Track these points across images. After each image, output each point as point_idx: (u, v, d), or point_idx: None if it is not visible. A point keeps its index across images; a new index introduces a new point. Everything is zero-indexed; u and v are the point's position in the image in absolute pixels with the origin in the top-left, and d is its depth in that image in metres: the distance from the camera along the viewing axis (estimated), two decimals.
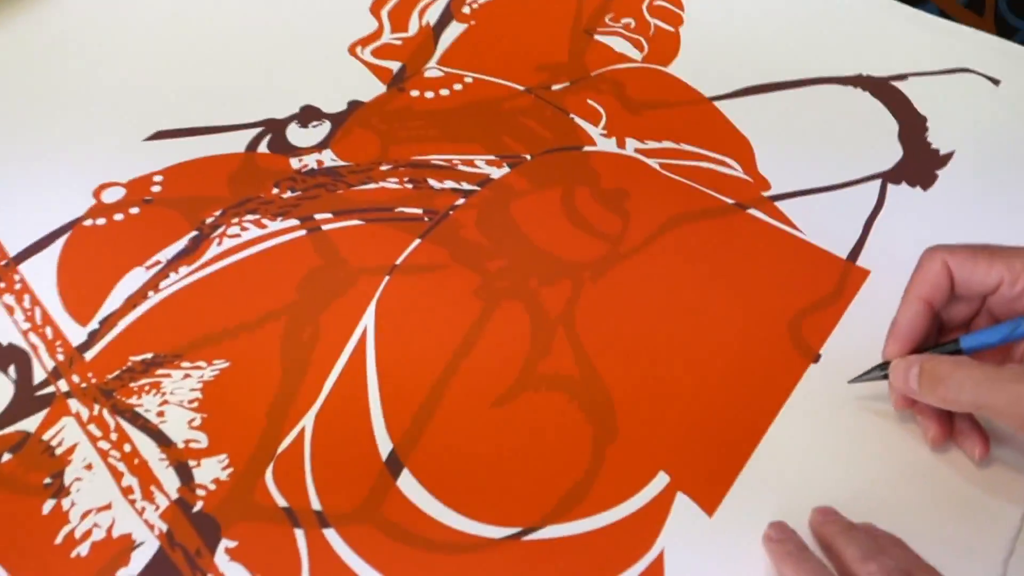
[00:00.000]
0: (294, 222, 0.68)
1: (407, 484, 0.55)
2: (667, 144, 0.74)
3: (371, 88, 0.78)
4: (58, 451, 0.57)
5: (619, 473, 0.56)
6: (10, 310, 0.63)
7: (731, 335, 0.63)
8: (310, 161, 0.72)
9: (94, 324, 0.62)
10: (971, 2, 1.23)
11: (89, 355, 0.61)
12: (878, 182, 0.72)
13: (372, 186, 0.71)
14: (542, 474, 0.56)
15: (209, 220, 0.68)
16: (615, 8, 0.87)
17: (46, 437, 0.57)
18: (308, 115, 0.76)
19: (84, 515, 0.54)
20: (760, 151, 0.74)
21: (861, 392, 0.60)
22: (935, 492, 0.56)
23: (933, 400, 0.54)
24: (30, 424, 0.58)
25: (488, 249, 0.67)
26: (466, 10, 0.86)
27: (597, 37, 0.84)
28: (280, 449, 0.56)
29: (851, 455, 0.58)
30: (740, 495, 0.56)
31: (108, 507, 0.55)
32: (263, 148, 0.73)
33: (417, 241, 0.67)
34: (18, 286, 0.64)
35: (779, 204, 0.71)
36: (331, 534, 0.54)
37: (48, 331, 0.62)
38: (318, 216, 0.69)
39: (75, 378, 0.60)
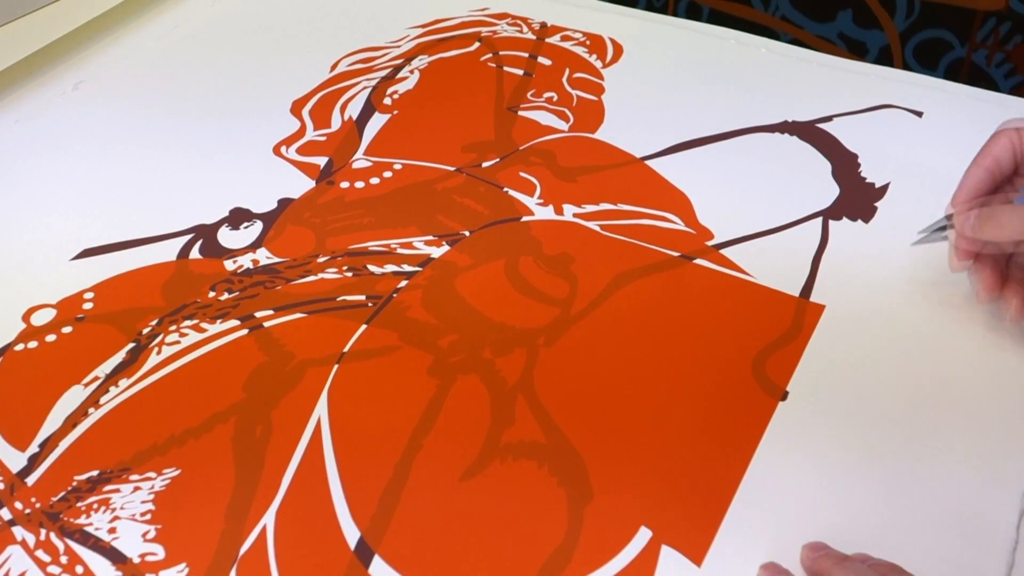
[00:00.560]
0: (235, 322, 0.66)
1: (380, 570, 0.52)
2: (605, 206, 0.74)
3: (300, 184, 0.77)
4: None
5: (600, 533, 0.54)
6: None
7: (696, 383, 0.61)
8: (245, 261, 0.70)
9: (34, 448, 0.59)
10: (879, 57, 1.26)
11: (31, 480, 0.58)
12: (819, 220, 0.72)
13: (311, 279, 0.69)
14: (521, 543, 0.54)
15: (146, 330, 0.66)
16: (536, 84, 0.87)
17: None
18: (238, 217, 0.74)
19: None
20: (698, 203, 0.74)
21: (836, 423, 0.58)
22: (926, 513, 0.55)
23: (985, 234, 0.59)
24: None
25: (437, 327, 0.65)
26: (387, 101, 0.86)
27: (521, 113, 0.84)
28: (242, 551, 0.53)
29: (834, 486, 0.56)
30: (726, 541, 0.54)
31: None
32: (195, 254, 0.71)
33: (363, 327, 0.65)
34: None
35: (725, 251, 0.70)
36: None
37: None
38: (259, 314, 0.67)
39: (18, 505, 0.56)
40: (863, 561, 0.51)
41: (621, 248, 0.70)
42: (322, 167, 0.79)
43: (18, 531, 0.55)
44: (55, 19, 0.92)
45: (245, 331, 0.66)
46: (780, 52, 0.91)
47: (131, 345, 0.65)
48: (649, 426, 0.59)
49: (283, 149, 0.81)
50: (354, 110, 0.85)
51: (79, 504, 0.56)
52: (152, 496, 0.56)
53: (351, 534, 0.54)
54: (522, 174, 0.77)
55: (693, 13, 1.36)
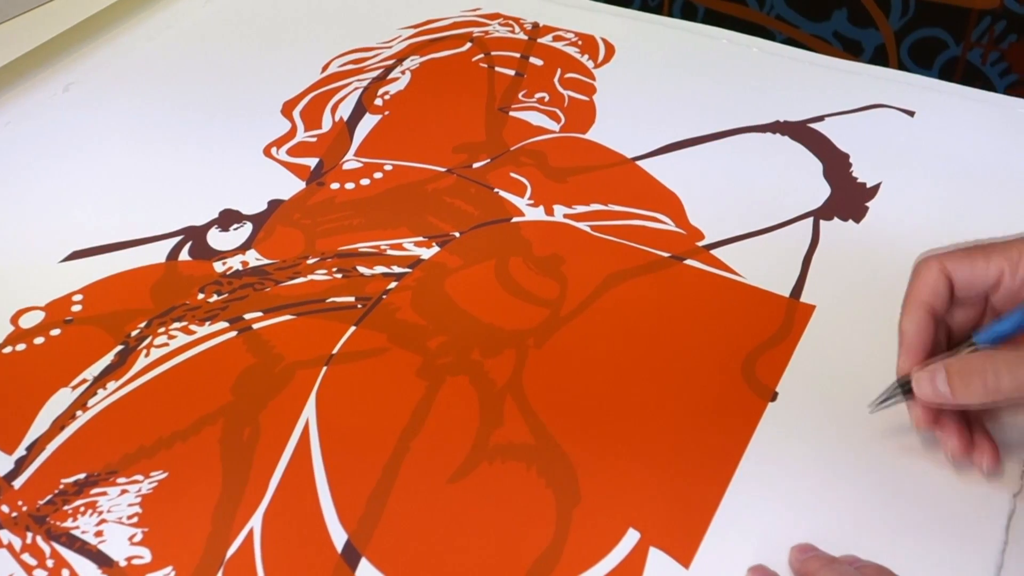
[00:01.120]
0: (223, 324, 0.66)
1: (366, 573, 0.52)
2: (595, 207, 0.74)
3: (290, 186, 0.77)
4: None
5: (588, 535, 0.54)
6: None
7: (685, 384, 0.61)
8: (234, 263, 0.70)
9: (21, 451, 0.59)
10: (874, 56, 1.26)
11: (18, 483, 0.57)
12: (810, 220, 0.72)
13: (301, 280, 0.69)
14: (509, 545, 0.53)
15: (134, 333, 0.66)
16: (527, 85, 0.87)
17: None
18: (228, 218, 0.74)
19: None
20: (689, 203, 0.74)
21: (825, 424, 0.58)
22: (913, 515, 0.54)
23: (973, 397, 0.52)
24: None
25: (426, 328, 0.65)
26: (378, 102, 0.85)
27: (512, 114, 0.83)
28: (229, 554, 0.53)
29: (823, 488, 0.56)
30: (714, 543, 0.53)
31: None
32: (184, 256, 0.71)
33: (352, 328, 0.65)
34: None
35: (715, 252, 0.70)
36: None
37: None
38: (248, 316, 0.66)
39: (4, 508, 0.56)
40: (851, 563, 0.51)
41: (611, 249, 0.70)
42: (312, 168, 0.79)
43: (4, 534, 0.55)
44: (45, 20, 0.92)
45: (234, 333, 0.65)
46: (772, 52, 0.90)
47: (119, 348, 0.65)
48: (638, 427, 0.59)
49: (274, 150, 0.81)
50: (345, 111, 0.85)
51: (66, 507, 0.56)
52: (139, 499, 0.56)
53: (338, 537, 0.54)
54: (513, 175, 0.77)
55: (688, 12, 1.35)
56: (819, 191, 0.74)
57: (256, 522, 0.55)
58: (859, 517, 0.54)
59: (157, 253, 0.71)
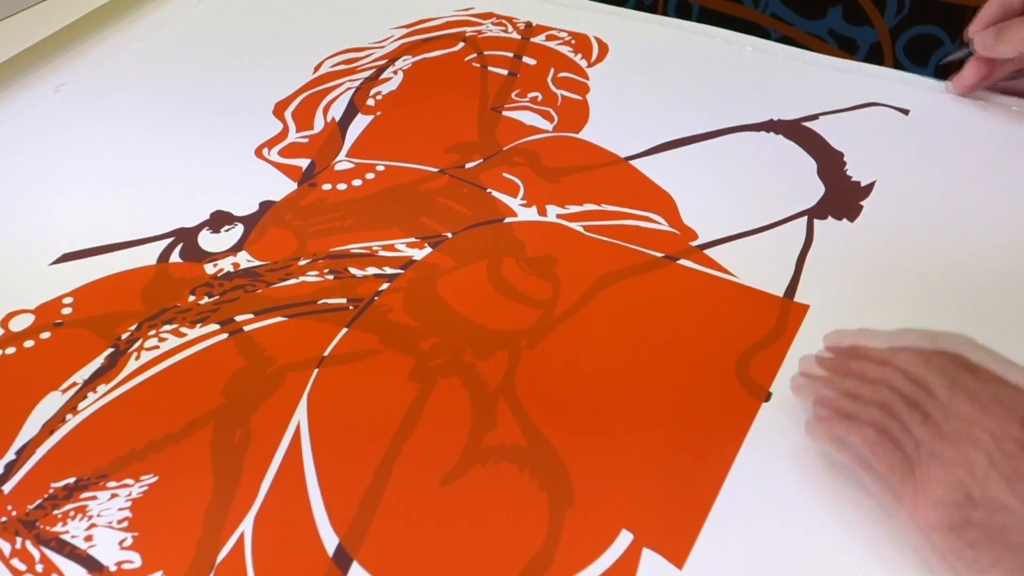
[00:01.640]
0: (214, 327, 0.65)
1: None
2: (588, 207, 0.73)
3: (281, 187, 0.77)
4: None
5: (580, 537, 0.53)
6: None
7: (678, 385, 0.61)
8: (225, 265, 0.70)
9: (10, 455, 0.59)
10: (869, 54, 1.26)
11: (7, 487, 0.57)
12: (804, 219, 0.72)
13: (292, 282, 0.68)
14: (502, 547, 0.53)
15: (124, 335, 0.65)
16: (520, 84, 0.86)
17: None
18: (219, 220, 0.74)
19: None
20: (683, 203, 0.73)
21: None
22: None
23: (1011, 45, 0.73)
24: None
25: (418, 330, 0.65)
26: (371, 102, 0.85)
27: (505, 113, 0.83)
28: (220, 558, 0.53)
29: (817, 488, 0.55)
30: (708, 543, 0.53)
31: None
32: (175, 258, 0.71)
33: (344, 330, 0.65)
34: None
35: (709, 252, 0.69)
36: None
37: None
38: (239, 318, 0.66)
39: None
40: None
41: (605, 249, 0.70)
42: (304, 169, 0.78)
43: None
44: (37, 21, 0.92)
45: (225, 335, 0.65)
46: (766, 51, 0.90)
47: (110, 350, 0.64)
48: (631, 428, 0.59)
49: (265, 151, 0.80)
50: (337, 111, 0.84)
51: (56, 512, 0.56)
52: (129, 503, 0.56)
53: (329, 540, 0.53)
54: (506, 175, 0.76)
55: (683, 11, 1.35)
56: (813, 190, 0.74)
57: (247, 525, 0.54)
58: (854, 517, 0.54)
59: (148, 255, 0.71)
